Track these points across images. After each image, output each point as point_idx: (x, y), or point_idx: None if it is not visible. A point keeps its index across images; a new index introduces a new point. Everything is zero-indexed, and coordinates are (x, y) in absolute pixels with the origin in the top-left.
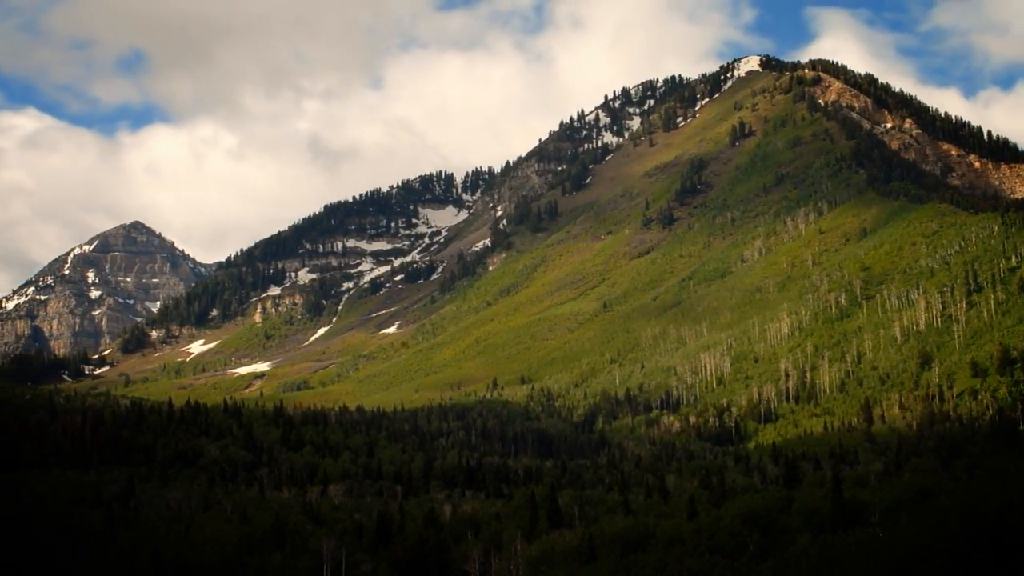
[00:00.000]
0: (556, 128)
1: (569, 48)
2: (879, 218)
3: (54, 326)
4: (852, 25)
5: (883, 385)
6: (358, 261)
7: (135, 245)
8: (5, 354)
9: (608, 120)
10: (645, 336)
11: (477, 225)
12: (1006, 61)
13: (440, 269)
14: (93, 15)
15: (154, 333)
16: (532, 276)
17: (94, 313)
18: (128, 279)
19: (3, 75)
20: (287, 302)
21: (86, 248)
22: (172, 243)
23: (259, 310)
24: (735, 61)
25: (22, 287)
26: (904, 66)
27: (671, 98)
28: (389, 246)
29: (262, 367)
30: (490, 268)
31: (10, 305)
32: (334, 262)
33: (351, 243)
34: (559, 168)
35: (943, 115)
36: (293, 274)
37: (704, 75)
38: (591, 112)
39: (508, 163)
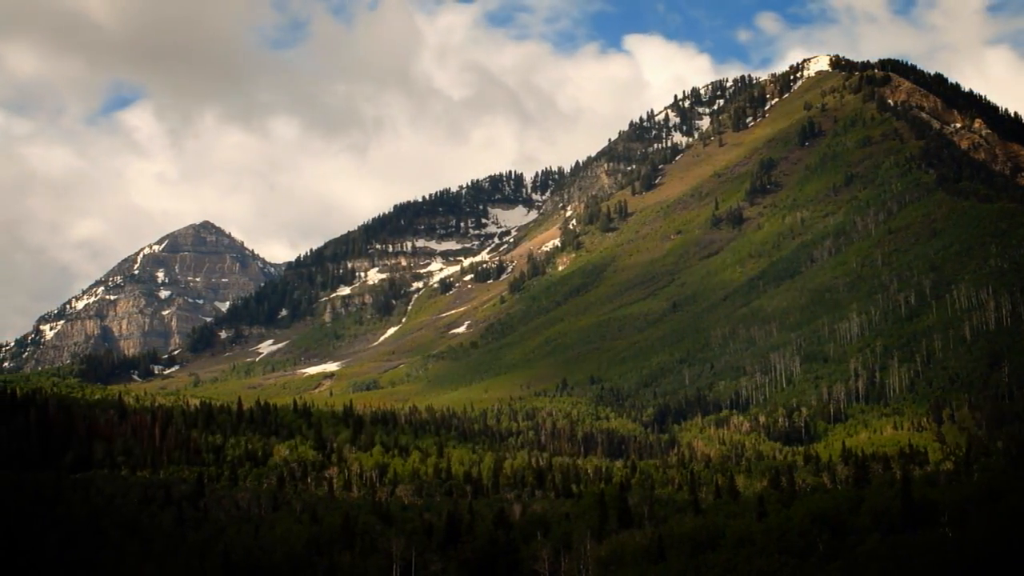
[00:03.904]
0: (626, 128)
1: None
2: (948, 218)
3: (123, 326)
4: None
5: (953, 385)
6: (427, 261)
7: (204, 245)
8: (75, 354)
9: (678, 120)
10: (715, 336)
11: (547, 225)
12: None
13: (509, 269)
14: None
15: (223, 333)
16: (602, 276)
17: (163, 313)
18: (197, 279)
19: None
20: (356, 302)
21: (155, 248)
22: (241, 243)
23: (328, 310)
24: (804, 61)
25: (92, 287)
26: None
27: (740, 98)
28: (458, 246)
29: (331, 367)
30: (560, 268)
31: (80, 305)
32: (403, 262)
33: (420, 243)
34: (629, 168)
35: (1012, 115)
36: (362, 274)
37: (774, 75)
38: (660, 112)
39: (578, 163)
